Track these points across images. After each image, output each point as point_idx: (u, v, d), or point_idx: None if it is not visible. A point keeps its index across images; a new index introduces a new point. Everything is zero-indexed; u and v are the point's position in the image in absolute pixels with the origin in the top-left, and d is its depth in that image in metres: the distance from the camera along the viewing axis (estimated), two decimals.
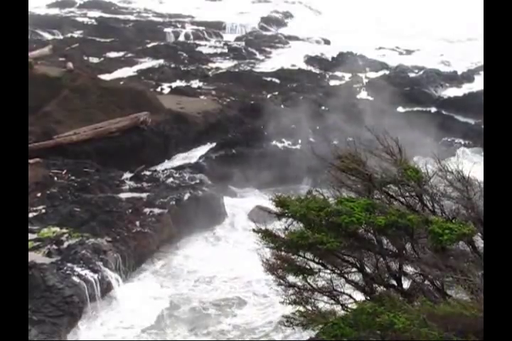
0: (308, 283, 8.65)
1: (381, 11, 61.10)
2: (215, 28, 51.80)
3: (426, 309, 6.99)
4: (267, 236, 8.46)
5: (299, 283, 8.70)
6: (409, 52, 47.65)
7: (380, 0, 63.92)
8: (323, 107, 29.62)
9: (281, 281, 8.71)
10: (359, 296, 8.73)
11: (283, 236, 8.45)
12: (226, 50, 44.81)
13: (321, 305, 8.56)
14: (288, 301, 8.53)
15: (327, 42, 50.02)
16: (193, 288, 16.95)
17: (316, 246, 7.92)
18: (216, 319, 15.71)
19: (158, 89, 32.75)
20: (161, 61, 39.88)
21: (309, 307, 8.27)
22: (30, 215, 17.68)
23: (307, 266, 8.57)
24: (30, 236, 16.47)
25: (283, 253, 8.58)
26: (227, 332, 15.21)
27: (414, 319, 6.84)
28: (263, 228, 8.57)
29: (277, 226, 8.85)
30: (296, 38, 50.72)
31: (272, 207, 8.81)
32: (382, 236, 8.26)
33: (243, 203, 21.81)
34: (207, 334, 15.09)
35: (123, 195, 20.02)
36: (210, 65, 40.48)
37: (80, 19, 51.40)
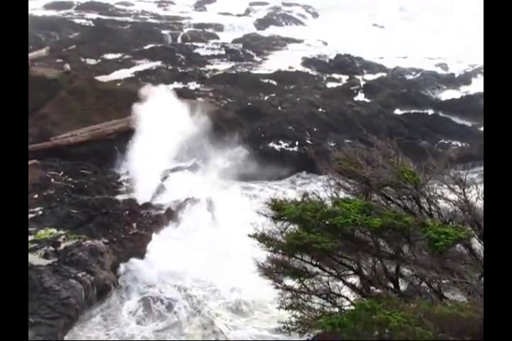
0: (305, 286, 8.63)
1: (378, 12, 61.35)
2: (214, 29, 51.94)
3: (423, 308, 6.98)
4: (263, 240, 8.45)
5: (296, 286, 8.68)
6: (406, 54, 47.68)
7: (378, 2, 64.12)
8: (320, 109, 29.65)
9: (278, 285, 8.70)
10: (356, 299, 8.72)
11: (279, 238, 8.44)
12: (223, 52, 44.80)
13: (317, 307, 8.55)
14: (284, 306, 8.51)
15: (324, 44, 50.06)
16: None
17: (311, 246, 7.90)
18: None
19: None
20: (159, 63, 39.86)
21: (306, 312, 8.25)
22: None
23: (304, 269, 8.55)
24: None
25: (279, 256, 8.56)
26: None
27: (411, 317, 6.83)
28: (258, 232, 8.55)
29: (274, 227, 8.82)
30: (293, 40, 50.73)
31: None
32: (379, 238, 8.25)
33: (240, 203, 21.82)
34: None
35: (120, 197, 20.05)
36: (208, 66, 40.47)
37: (77, 21, 51.34)
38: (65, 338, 14.40)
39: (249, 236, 8.62)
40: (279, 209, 8.41)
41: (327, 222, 8.01)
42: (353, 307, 8.14)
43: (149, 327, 15.14)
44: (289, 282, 8.85)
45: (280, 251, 8.45)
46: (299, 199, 9.12)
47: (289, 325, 8.24)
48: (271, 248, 8.48)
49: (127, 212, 18.73)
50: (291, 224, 8.43)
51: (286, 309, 8.53)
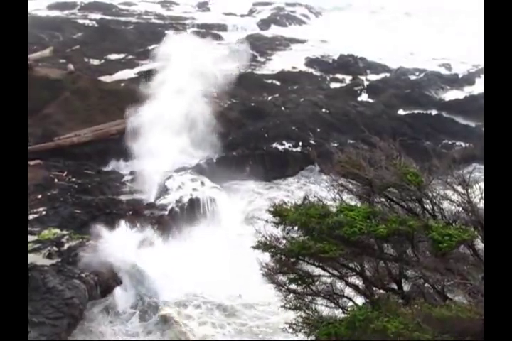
0: (309, 287, 8.61)
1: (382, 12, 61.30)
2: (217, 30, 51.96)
3: (422, 312, 6.97)
4: (267, 248, 8.40)
5: (299, 288, 8.65)
6: (409, 54, 47.61)
7: (381, 2, 64.07)
8: (323, 109, 29.64)
9: (281, 287, 8.66)
10: (359, 299, 8.71)
11: (283, 241, 8.39)
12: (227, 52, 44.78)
13: (321, 308, 8.53)
14: (288, 306, 8.48)
15: (327, 44, 50.00)
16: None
17: (318, 255, 7.89)
18: None
19: None
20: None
21: (310, 312, 8.23)
22: (31, 217, 17.70)
23: (307, 273, 8.52)
24: (31, 238, 16.48)
25: (283, 257, 8.52)
26: None
27: (409, 322, 6.82)
28: (261, 240, 8.49)
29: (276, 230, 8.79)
30: (296, 40, 50.70)
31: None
32: (384, 243, 8.21)
33: (243, 204, 21.85)
34: None
35: (123, 197, 20.05)
36: None
37: (80, 21, 51.38)
38: (69, 338, 14.45)
39: (253, 247, 8.57)
40: (280, 215, 8.35)
41: (331, 227, 7.95)
42: (354, 310, 8.13)
43: (150, 323, 15.27)
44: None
45: (284, 257, 8.40)
46: (302, 199, 9.08)
47: (294, 326, 8.22)
48: (275, 255, 8.43)
49: (131, 212, 18.75)
50: (293, 228, 8.39)
51: (290, 309, 8.50)
